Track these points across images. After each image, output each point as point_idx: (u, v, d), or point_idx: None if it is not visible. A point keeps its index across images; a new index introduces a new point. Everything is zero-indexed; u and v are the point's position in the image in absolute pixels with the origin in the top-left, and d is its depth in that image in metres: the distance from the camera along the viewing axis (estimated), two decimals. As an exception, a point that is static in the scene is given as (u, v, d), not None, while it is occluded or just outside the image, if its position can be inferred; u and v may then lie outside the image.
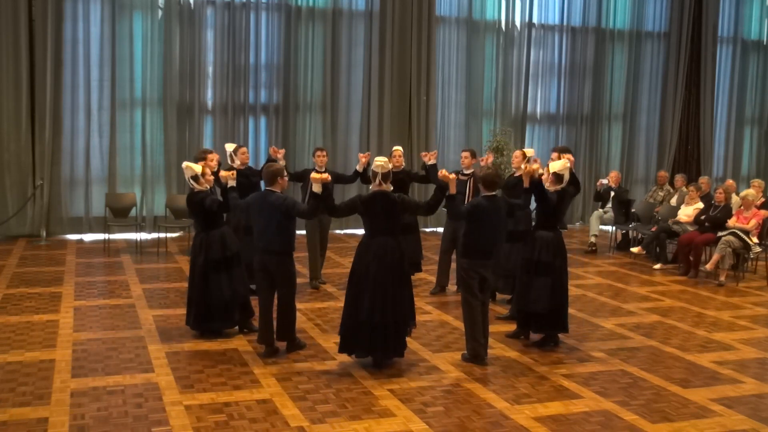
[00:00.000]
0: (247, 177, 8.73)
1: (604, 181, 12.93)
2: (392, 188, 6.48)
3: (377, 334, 6.24)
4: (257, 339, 6.72)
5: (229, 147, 8.98)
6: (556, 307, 7.03)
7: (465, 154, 9.28)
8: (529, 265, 7.09)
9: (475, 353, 6.59)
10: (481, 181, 6.71)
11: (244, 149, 9.20)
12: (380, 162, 6.36)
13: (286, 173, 6.79)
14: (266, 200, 6.52)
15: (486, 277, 6.62)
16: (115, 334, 7.16)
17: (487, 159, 8.97)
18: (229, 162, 8.89)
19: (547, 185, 7.10)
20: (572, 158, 7.33)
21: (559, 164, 7.09)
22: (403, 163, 9.44)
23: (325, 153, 9.41)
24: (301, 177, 9.33)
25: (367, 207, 6.31)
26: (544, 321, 7.10)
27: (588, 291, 9.66)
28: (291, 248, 6.59)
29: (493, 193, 6.64)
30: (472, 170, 9.06)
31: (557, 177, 7.07)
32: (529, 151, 8.40)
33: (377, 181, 6.34)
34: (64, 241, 12.09)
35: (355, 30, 13.77)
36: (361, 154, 9.36)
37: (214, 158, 7.76)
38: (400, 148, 9.55)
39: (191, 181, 7.07)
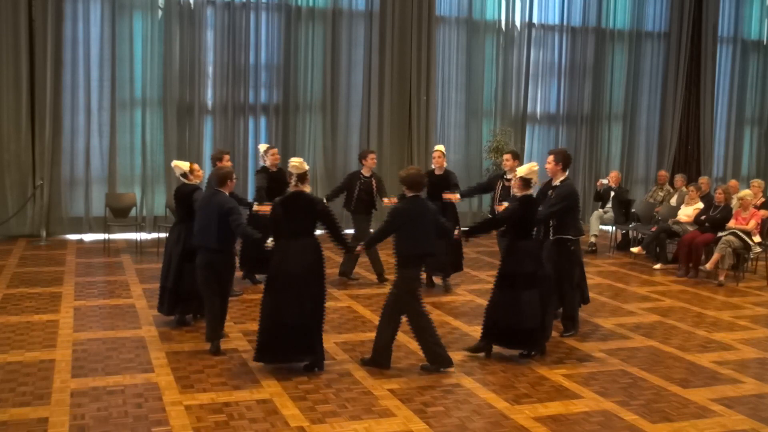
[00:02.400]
0: (277, 181, 8.94)
1: (604, 181, 12.93)
2: (309, 189, 6.54)
3: (297, 336, 6.18)
4: (207, 337, 6.73)
5: (262, 147, 9.44)
6: (542, 320, 6.70)
7: (507, 156, 8.91)
8: (511, 278, 6.65)
9: (442, 359, 6.37)
10: (403, 181, 6.40)
11: (274, 150, 9.44)
12: (295, 163, 6.41)
13: (235, 176, 7.07)
14: (211, 199, 6.79)
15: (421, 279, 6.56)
16: (115, 334, 7.16)
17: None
18: (261, 162, 9.27)
19: (514, 190, 6.83)
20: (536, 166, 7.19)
21: (526, 168, 6.79)
22: (445, 164, 9.26)
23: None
24: (348, 186, 9.49)
25: (286, 208, 6.29)
26: (535, 336, 6.69)
27: (588, 291, 9.64)
28: (230, 246, 6.81)
29: (417, 193, 6.36)
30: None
31: (524, 181, 6.71)
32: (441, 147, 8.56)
33: (293, 182, 6.36)
34: (64, 241, 12.09)
35: (355, 30, 13.77)
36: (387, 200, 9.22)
37: (229, 159, 8.51)
38: (441, 147, 9.43)
39: (181, 178, 7.61)
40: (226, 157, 8.50)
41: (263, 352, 6.24)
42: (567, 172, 7.42)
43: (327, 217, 6.42)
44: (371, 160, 9.45)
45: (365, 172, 9.48)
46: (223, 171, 6.96)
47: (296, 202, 6.32)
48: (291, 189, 6.42)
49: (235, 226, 6.60)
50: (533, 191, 6.90)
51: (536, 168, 6.84)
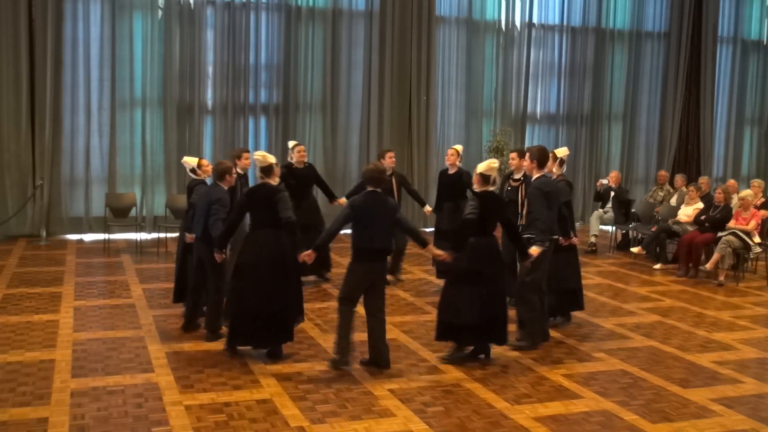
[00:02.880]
0: (300, 177, 9.18)
1: (604, 181, 12.93)
2: (279, 182, 6.64)
3: (259, 324, 6.36)
4: (205, 325, 7.05)
5: (291, 144, 9.64)
6: (488, 319, 6.49)
7: (513, 155, 8.50)
8: (455, 274, 6.57)
9: (343, 359, 6.32)
10: (363, 176, 6.51)
11: (301, 148, 9.53)
12: (257, 156, 6.53)
13: (235, 171, 7.38)
14: (207, 192, 7.02)
15: (380, 279, 6.38)
16: (115, 334, 7.16)
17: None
18: (288, 159, 9.44)
19: (475, 186, 6.70)
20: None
21: (485, 164, 6.63)
22: (458, 164, 9.21)
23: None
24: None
25: (251, 199, 6.51)
26: (476, 333, 6.54)
27: (588, 291, 9.63)
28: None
29: (375, 188, 6.32)
30: (523, 173, 7.93)
31: (483, 178, 6.56)
32: (458, 147, 8.38)
33: (258, 175, 6.52)
34: (64, 241, 12.09)
35: (355, 30, 13.77)
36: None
37: (248, 157, 8.55)
38: (458, 147, 9.40)
39: (191, 173, 7.73)
40: (245, 155, 8.64)
41: (230, 338, 6.52)
42: (544, 170, 7.11)
43: (278, 204, 6.38)
44: (389, 158, 9.39)
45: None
46: (222, 166, 7.13)
47: (258, 193, 6.49)
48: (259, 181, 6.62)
49: (213, 218, 6.73)
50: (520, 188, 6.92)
51: (495, 165, 6.65)
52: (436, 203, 9.51)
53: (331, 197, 9.75)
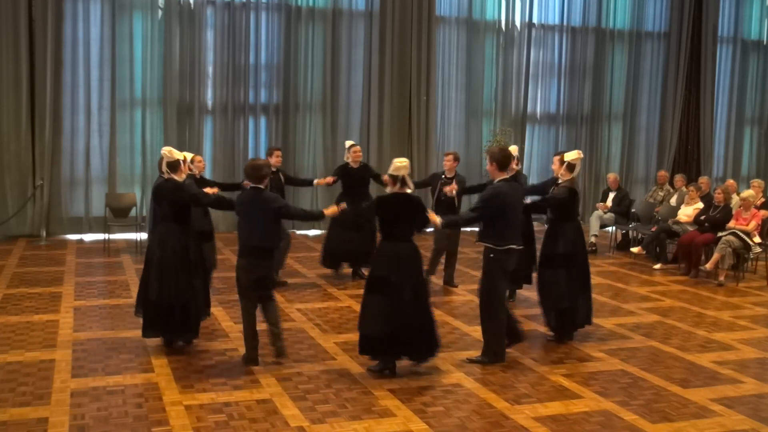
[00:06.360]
0: (355, 177, 9.47)
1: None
2: (183, 178, 6.78)
3: (163, 315, 6.56)
4: None
5: (347, 144, 9.83)
6: (397, 331, 6.06)
7: (448, 157, 9.22)
8: (368, 281, 6.28)
9: (251, 356, 6.40)
10: (244, 172, 6.59)
11: (356, 148, 9.73)
12: (164, 151, 6.74)
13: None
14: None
15: (264, 276, 6.35)
16: (115, 334, 7.16)
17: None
18: (345, 159, 9.69)
19: (388, 189, 6.35)
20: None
21: (392, 165, 6.26)
22: (455, 169, 9.30)
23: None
24: (429, 183, 9.64)
25: (154, 196, 6.89)
26: (385, 345, 6.13)
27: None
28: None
29: (258, 185, 6.29)
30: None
31: (392, 178, 6.24)
32: (512, 148, 7.93)
33: (164, 170, 6.70)
34: (64, 241, 12.09)
35: (355, 30, 13.77)
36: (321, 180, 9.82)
37: (279, 155, 9.38)
38: (451, 152, 9.49)
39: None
40: (276, 153, 9.34)
41: (145, 327, 6.71)
42: (505, 173, 6.65)
43: (192, 197, 6.66)
44: (449, 161, 9.29)
45: (448, 174, 9.34)
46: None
47: (161, 189, 6.70)
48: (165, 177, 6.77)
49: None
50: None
51: (402, 164, 6.23)
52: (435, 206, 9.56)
53: None
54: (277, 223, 6.38)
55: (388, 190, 6.34)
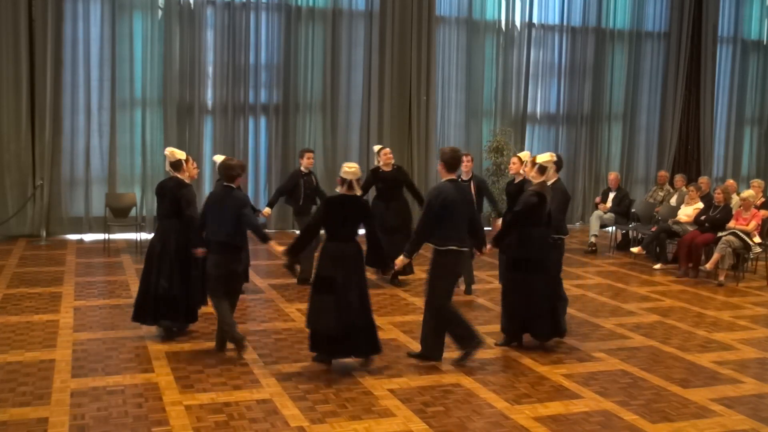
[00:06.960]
0: (387, 180, 9.32)
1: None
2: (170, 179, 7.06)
3: (161, 303, 6.88)
4: None
5: (376, 148, 9.77)
6: (345, 330, 6.14)
7: (514, 159, 8.37)
8: (314, 281, 6.36)
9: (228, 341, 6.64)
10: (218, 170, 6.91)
11: (386, 151, 9.57)
12: (167, 152, 7.13)
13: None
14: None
15: (233, 271, 6.56)
16: (115, 334, 7.16)
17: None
18: (375, 163, 9.60)
19: (338, 189, 6.39)
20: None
21: (343, 169, 6.34)
22: (471, 170, 9.06)
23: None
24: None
25: (157, 193, 7.17)
26: (337, 343, 6.21)
27: (588, 291, 9.66)
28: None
29: (229, 184, 6.59)
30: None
31: (342, 180, 6.29)
32: (524, 155, 7.83)
33: (168, 168, 7.10)
34: (64, 241, 12.09)
35: (355, 30, 13.77)
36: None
37: (310, 157, 9.44)
38: (469, 153, 9.24)
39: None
40: (308, 155, 9.41)
41: (136, 313, 7.03)
42: (454, 174, 6.56)
43: (181, 199, 6.90)
44: (466, 162, 8.94)
45: (465, 176, 8.99)
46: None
47: (164, 186, 7.08)
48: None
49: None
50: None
51: (352, 168, 6.29)
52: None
53: (420, 201, 9.13)
54: (239, 222, 6.53)
55: (338, 190, 6.43)
